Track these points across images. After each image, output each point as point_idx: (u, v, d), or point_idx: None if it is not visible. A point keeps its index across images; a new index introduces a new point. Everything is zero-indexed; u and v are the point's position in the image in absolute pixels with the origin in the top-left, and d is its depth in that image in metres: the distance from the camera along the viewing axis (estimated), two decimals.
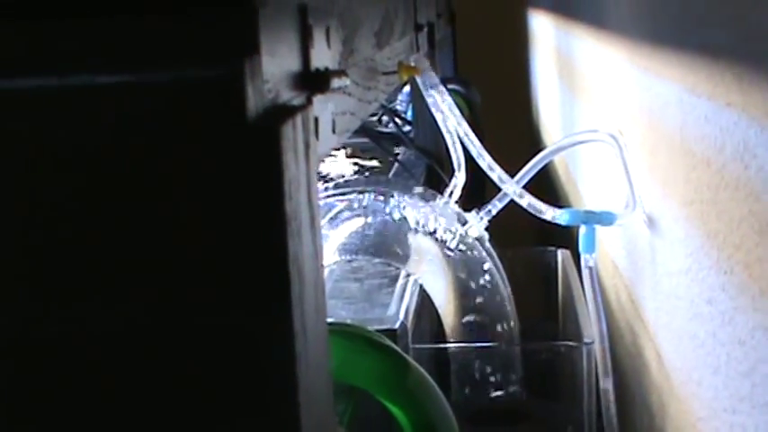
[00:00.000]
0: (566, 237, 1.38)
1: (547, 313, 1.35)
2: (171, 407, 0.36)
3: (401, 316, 0.96)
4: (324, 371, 0.44)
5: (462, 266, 1.11)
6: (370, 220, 1.12)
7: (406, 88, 2.24)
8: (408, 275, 1.10)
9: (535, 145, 2.49)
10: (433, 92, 1.10)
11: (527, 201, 1.08)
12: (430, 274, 1.11)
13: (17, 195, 0.35)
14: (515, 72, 3.04)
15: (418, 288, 1.08)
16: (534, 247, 1.40)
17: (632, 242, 1.05)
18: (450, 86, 2.14)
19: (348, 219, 1.12)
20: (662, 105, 0.86)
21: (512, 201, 1.10)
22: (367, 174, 1.84)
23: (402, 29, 1.04)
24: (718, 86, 0.65)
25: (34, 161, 0.35)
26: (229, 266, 0.36)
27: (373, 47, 0.82)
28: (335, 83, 0.50)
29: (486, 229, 1.14)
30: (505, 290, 1.13)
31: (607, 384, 1.02)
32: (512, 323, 1.12)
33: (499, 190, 1.10)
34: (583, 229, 1.05)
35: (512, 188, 1.08)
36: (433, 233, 1.11)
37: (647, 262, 0.97)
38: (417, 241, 1.12)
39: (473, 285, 1.11)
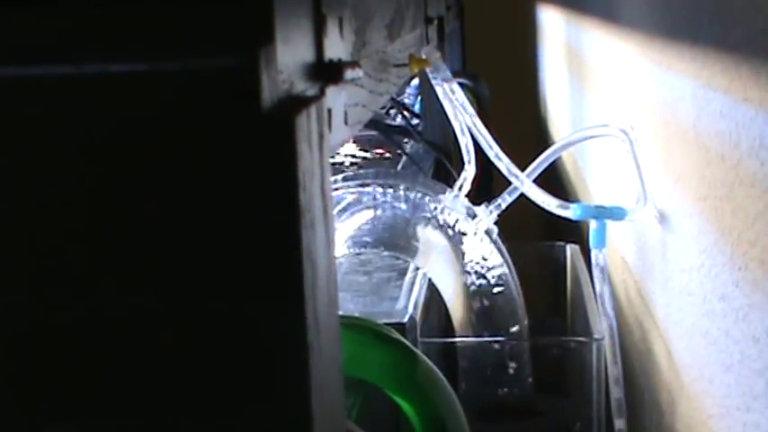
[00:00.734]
0: (574, 232, 1.37)
1: (555, 309, 1.35)
2: (182, 393, 0.36)
3: (410, 309, 0.96)
4: (335, 363, 0.43)
5: (472, 261, 1.11)
6: (379, 212, 1.11)
7: (415, 81, 2.24)
8: (417, 269, 1.09)
9: (543, 139, 2.49)
10: (443, 84, 1.09)
11: (538, 195, 1.07)
12: (438, 268, 1.11)
13: (32, 182, 0.35)
14: (524, 66, 3.03)
15: (427, 282, 1.08)
16: (543, 242, 1.39)
17: (642, 238, 1.04)
18: (458, 80, 2.14)
19: (357, 211, 1.11)
20: (675, 100, 0.85)
21: (521, 195, 1.09)
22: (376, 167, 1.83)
23: (413, 22, 1.03)
24: (734, 81, 0.65)
25: (49, 149, 0.35)
26: (243, 256, 0.36)
27: (385, 39, 0.82)
28: (349, 74, 0.49)
29: (495, 223, 1.13)
30: (514, 284, 1.12)
31: (617, 392, 1.01)
32: (521, 318, 1.12)
33: (509, 184, 1.10)
34: (593, 224, 1.04)
35: (522, 182, 1.07)
36: (442, 226, 1.11)
37: (657, 258, 0.96)
38: (426, 234, 1.11)
39: (481, 280, 1.11)
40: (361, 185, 1.12)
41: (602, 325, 1.01)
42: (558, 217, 1.07)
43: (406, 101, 2.28)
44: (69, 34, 0.35)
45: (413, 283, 1.05)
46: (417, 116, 2.03)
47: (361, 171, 1.18)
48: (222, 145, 0.35)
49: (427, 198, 1.12)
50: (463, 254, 1.11)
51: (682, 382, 0.85)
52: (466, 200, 1.13)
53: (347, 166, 1.83)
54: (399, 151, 1.88)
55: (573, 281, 1.25)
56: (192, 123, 0.35)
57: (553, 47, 2.38)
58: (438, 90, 1.10)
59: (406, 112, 2.05)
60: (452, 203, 1.11)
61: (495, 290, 1.11)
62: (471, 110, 1.10)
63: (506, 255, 1.13)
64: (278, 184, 0.36)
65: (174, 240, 0.35)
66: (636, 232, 1.09)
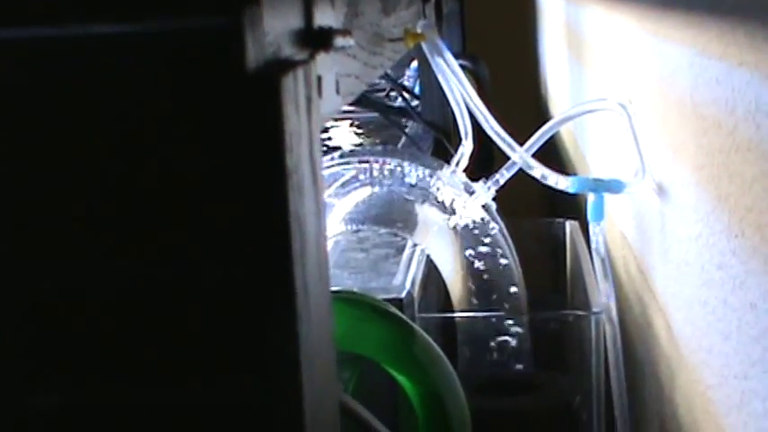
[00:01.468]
0: (574, 208, 1.37)
1: (555, 285, 1.35)
2: (168, 363, 0.36)
3: (407, 285, 0.95)
4: (326, 333, 0.43)
5: (469, 236, 1.10)
6: (377, 189, 1.11)
7: (414, 64, 2.24)
8: (415, 245, 1.09)
9: (543, 119, 2.48)
10: (439, 59, 1.09)
11: (536, 169, 1.07)
12: (437, 245, 1.10)
13: (13, 150, 0.35)
14: (524, 46, 3.03)
15: (425, 258, 1.08)
16: (542, 219, 1.39)
17: (641, 212, 1.04)
18: (458, 62, 2.13)
19: (355, 188, 1.11)
20: (672, 70, 0.84)
21: (520, 170, 1.09)
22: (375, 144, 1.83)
23: None
24: (729, 46, 0.64)
25: (32, 112, 0.35)
26: (228, 220, 0.35)
27: (379, 12, 0.81)
28: (339, 41, 0.49)
29: (494, 199, 1.13)
30: (513, 260, 1.12)
31: (615, 360, 1.01)
32: (519, 293, 1.11)
33: (507, 160, 1.09)
34: (591, 197, 1.04)
35: (520, 156, 1.07)
36: (441, 203, 1.10)
37: (656, 231, 0.96)
38: (424, 211, 1.11)
39: (481, 255, 1.10)
40: (359, 162, 1.12)
41: (600, 298, 1.01)
42: (557, 191, 1.07)
43: (406, 83, 2.28)
44: None
45: (411, 260, 1.04)
46: (417, 97, 2.02)
47: (359, 148, 1.18)
48: (207, 106, 0.35)
49: (426, 174, 1.11)
50: (461, 229, 1.10)
51: (681, 353, 0.85)
52: (464, 176, 1.13)
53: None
54: (399, 131, 1.88)
55: (572, 257, 1.25)
56: (177, 85, 0.35)
57: (552, 26, 2.38)
58: (434, 66, 1.09)
59: (405, 94, 2.05)
60: (450, 179, 1.11)
61: (494, 264, 1.10)
62: (468, 85, 1.09)
63: (505, 231, 1.12)
64: (263, 145, 0.35)
65: (159, 203, 0.35)
66: (634, 206, 1.09)
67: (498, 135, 1.07)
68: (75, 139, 0.35)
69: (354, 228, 1.09)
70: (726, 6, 0.66)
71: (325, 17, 0.50)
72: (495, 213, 1.13)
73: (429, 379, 0.78)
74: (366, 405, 0.69)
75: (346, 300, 0.78)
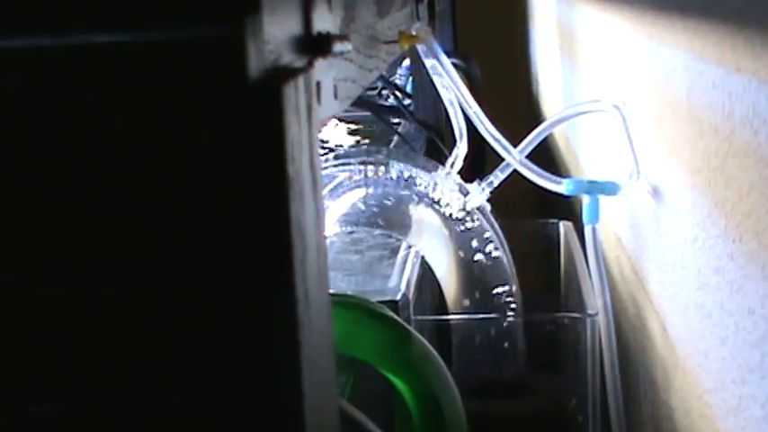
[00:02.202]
0: (567, 209, 1.37)
1: (549, 286, 1.35)
2: (171, 369, 0.36)
3: (403, 287, 0.95)
4: (326, 339, 0.43)
5: (464, 238, 1.10)
6: (370, 191, 1.11)
7: (406, 62, 2.23)
8: (410, 247, 1.09)
9: (536, 119, 2.48)
10: (434, 60, 1.09)
11: (530, 171, 1.07)
12: (431, 246, 1.10)
13: (14, 156, 0.35)
14: (515, 45, 3.03)
15: (420, 260, 1.08)
16: (537, 220, 1.39)
17: (636, 214, 1.04)
18: (449, 60, 2.13)
19: (349, 190, 1.11)
20: (667, 73, 0.84)
21: (514, 171, 1.09)
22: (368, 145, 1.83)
23: (402, 0, 1.03)
24: (727, 52, 0.64)
25: (30, 122, 0.35)
26: (231, 228, 0.35)
27: (374, 15, 0.81)
28: (337, 47, 0.49)
29: (488, 200, 1.13)
30: (508, 261, 1.12)
31: (610, 363, 1.01)
32: (514, 295, 1.11)
33: (501, 161, 1.09)
34: (586, 199, 1.04)
35: (515, 158, 1.07)
36: (435, 203, 1.10)
37: (651, 233, 0.96)
38: (419, 213, 1.11)
39: (475, 257, 1.10)
40: (353, 164, 1.11)
41: (595, 301, 1.01)
42: (552, 193, 1.07)
43: (398, 82, 2.28)
44: (52, 4, 0.34)
45: (405, 262, 1.04)
46: (410, 96, 2.02)
47: (353, 149, 1.18)
48: (209, 116, 0.35)
49: (420, 175, 1.11)
50: (456, 231, 1.10)
51: (677, 356, 0.85)
52: (458, 177, 1.13)
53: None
54: (392, 131, 1.87)
55: (566, 258, 1.25)
56: (178, 94, 0.35)
57: (545, 25, 2.38)
58: (429, 67, 1.09)
59: (398, 93, 2.04)
60: (444, 181, 1.11)
61: (489, 266, 1.10)
62: (462, 86, 1.09)
63: (499, 231, 1.12)
64: (265, 154, 0.35)
65: (161, 213, 0.35)
66: (629, 208, 1.09)
67: (493, 137, 1.07)
68: (75, 148, 0.35)
69: (348, 229, 1.09)
70: (723, 11, 0.66)
71: (323, 22, 0.50)
72: (490, 215, 1.13)
73: (425, 381, 0.78)
74: (362, 408, 0.69)
75: (341, 303, 0.78)
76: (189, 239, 0.35)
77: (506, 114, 1.46)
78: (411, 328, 0.80)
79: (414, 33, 1.02)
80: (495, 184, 1.11)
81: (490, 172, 1.12)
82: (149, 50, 0.34)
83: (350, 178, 1.11)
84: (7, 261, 0.35)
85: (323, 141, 1.89)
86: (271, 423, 0.36)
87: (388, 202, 1.11)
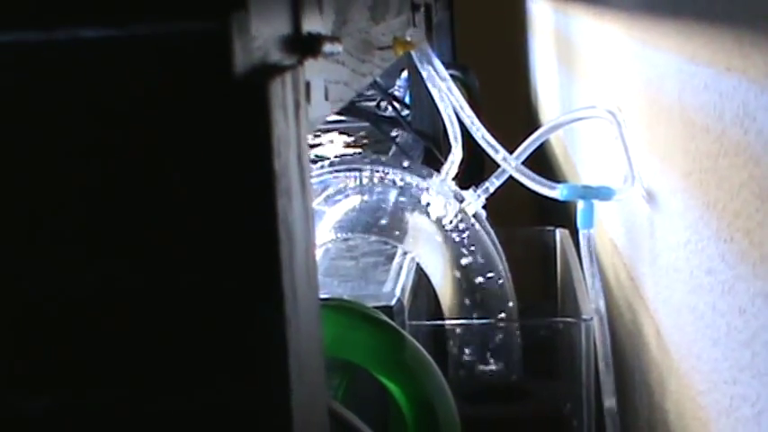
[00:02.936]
0: (564, 216, 1.37)
1: (546, 294, 1.35)
2: (158, 368, 0.35)
3: (397, 293, 0.95)
4: (315, 340, 0.43)
5: (458, 244, 1.10)
6: (366, 197, 1.11)
7: (405, 74, 2.24)
8: (405, 253, 1.09)
9: (534, 127, 2.48)
10: (429, 67, 1.09)
11: (525, 177, 1.07)
12: (427, 253, 1.10)
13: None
14: (514, 55, 3.03)
15: (415, 266, 1.08)
16: (533, 227, 1.39)
17: (631, 219, 1.04)
18: (448, 71, 2.14)
19: (345, 196, 1.11)
20: (660, 77, 0.85)
21: (510, 178, 1.09)
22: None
23: (398, 7, 1.03)
24: (717, 52, 0.64)
25: (17, 116, 0.35)
26: (216, 224, 0.35)
27: (368, 20, 0.81)
28: (328, 48, 0.49)
29: (484, 207, 1.13)
30: (503, 268, 1.12)
31: (607, 372, 1.01)
32: (509, 301, 1.11)
33: (497, 168, 1.09)
34: (581, 205, 1.04)
35: (510, 164, 1.07)
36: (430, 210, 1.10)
37: (645, 238, 0.96)
38: (414, 219, 1.11)
39: (471, 263, 1.10)
40: (349, 170, 1.11)
41: (590, 306, 1.01)
42: (548, 199, 1.07)
43: (397, 93, 2.28)
44: None
45: (401, 267, 1.04)
46: (408, 107, 2.03)
47: (349, 156, 1.18)
48: (195, 111, 0.35)
49: (415, 182, 1.11)
50: (450, 237, 1.10)
51: (671, 360, 0.85)
52: (453, 183, 1.13)
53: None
54: (389, 141, 1.88)
55: (563, 265, 1.25)
56: (164, 89, 0.35)
57: (543, 35, 2.38)
58: (424, 74, 1.10)
59: (396, 103, 2.05)
60: (440, 187, 1.11)
61: (484, 274, 1.10)
62: (458, 93, 1.09)
63: (495, 239, 1.12)
64: (252, 150, 0.35)
65: (146, 209, 0.35)
66: (624, 213, 1.09)
67: (488, 142, 1.07)
68: (60, 143, 0.35)
69: (344, 236, 1.09)
70: (714, 13, 0.66)
71: (313, 23, 0.50)
72: (485, 221, 1.13)
73: (419, 386, 0.78)
74: (356, 412, 0.69)
75: (336, 307, 0.78)
76: (174, 237, 0.35)
77: (506, 123, 1.46)
78: (405, 333, 0.80)
79: (408, 39, 1.02)
80: (491, 190, 1.11)
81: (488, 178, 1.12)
82: (136, 45, 0.34)
83: (346, 185, 1.11)
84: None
85: (320, 147, 1.90)
86: (258, 423, 0.36)
87: (384, 209, 1.11)
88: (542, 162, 1.92)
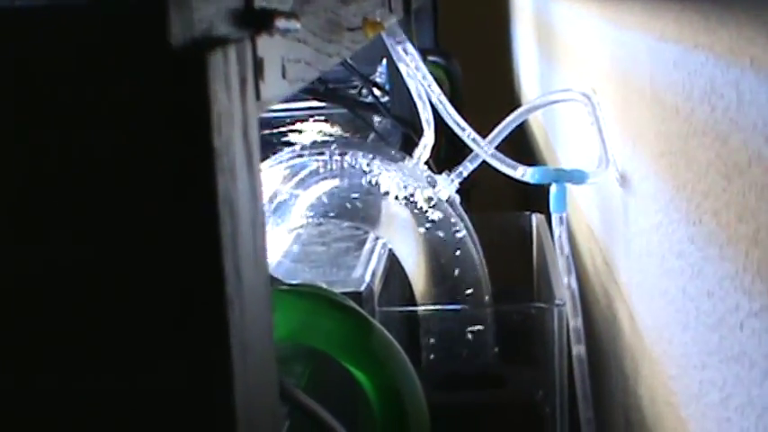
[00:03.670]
0: (543, 202, 1.36)
1: (523, 279, 1.33)
2: (97, 350, 0.35)
3: (367, 278, 0.94)
4: (263, 321, 0.42)
5: (432, 229, 1.09)
6: (339, 182, 1.09)
7: (385, 61, 2.23)
8: (377, 239, 1.07)
9: None
10: (398, 48, 1.07)
11: (497, 160, 1.06)
12: (400, 239, 1.09)
13: None
14: (496, 41, 3.03)
15: (387, 252, 1.06)
16: (509, 212, 1.38)
17: (605, 203, 1.03)
18: (430, 58, 2.13)
19: (318, 181, 1.09)
20: (632, 57, 0.84)
21: (485, 163, 1.08)
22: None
23: None
24: (684, 29, 0.63)
25: None
26: (153, 202, 0.34)
27: (336, 0, 0.80)
28: (282, 24, 0.47)
29: (459, 192, 1.12)
30: (477, 254, 1.10)
31: (579, 349, 1.00)
32: (483, 287, 1.10)
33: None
34: (553, 188, 1.03)
35: (482, 148, 1.06)
36: (404, 197, 1.09)
37: (620, 222, 0.95)
38: (387, 205, 1.09)
39: (444, 249, 1.09)
40: (322, 154, 1.10)
41: (563, 290, 1.00)
42: (528, 185, 1.06)
43: (378, 80, 2.27)
44: None
45: (372, 253, 1.03)
46: (388, 93, 2.02)
47: (322, 140, 1.16)
48: (132, 84, 0.34)
49: (388, 167, 1.10)
50: (424, 223, 1.09)
51: (644, 345, 0.84)
52: (426, 167, 1.12)
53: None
54: (368, 127, 1.87)
55: (538, 250, 1.24)
56: (100, 61, 0.34)
57: (525, 20, 2.37)
58: (395, 56, 1.08)
59: (377, 90, 2.04)
60: (411, 171, 1.10)
61: (457, 258, 1.09)
62: (429, 75, 1.08)
63: (468, 223, 1.11)
64: (189, 125, 0.34)
65: (83, 185, 0.34)
66: (599, 197, 1.08)
67: (459, 125, 1.06)
68: None
69: (316, 221, 1.08)
70: None
71: None
72: (459, 207, 1.12)
73: (386, 373, 0.76)
74: (322, 400, 0.68)
75: (301, 293, 0.77)
76: (109, 215, 0.34)
77: (489, 109, 1.45)
78: (372, 319, 0.79)
79: (378, 20, 1.01)
80: (465, 174, 1.10)
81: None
82: (72, 15, 0.33)
83: (318, 169, 1.10)
84: None
85: (298, 133, 1.89)
86: (198, 407, 0.35)
87: (357, 194, 1.09)
88: (523, 146, 1.91)
